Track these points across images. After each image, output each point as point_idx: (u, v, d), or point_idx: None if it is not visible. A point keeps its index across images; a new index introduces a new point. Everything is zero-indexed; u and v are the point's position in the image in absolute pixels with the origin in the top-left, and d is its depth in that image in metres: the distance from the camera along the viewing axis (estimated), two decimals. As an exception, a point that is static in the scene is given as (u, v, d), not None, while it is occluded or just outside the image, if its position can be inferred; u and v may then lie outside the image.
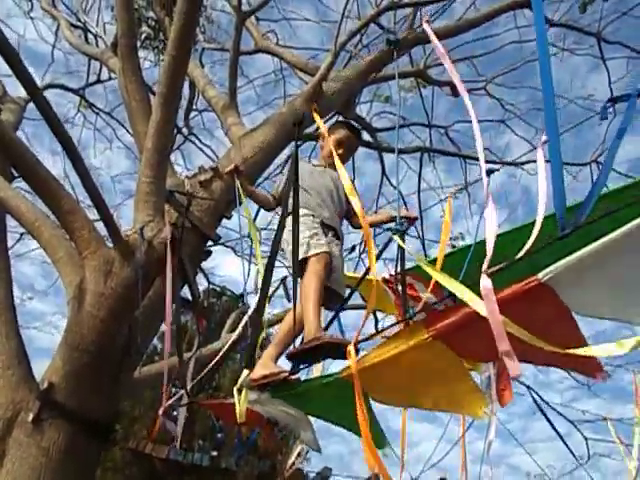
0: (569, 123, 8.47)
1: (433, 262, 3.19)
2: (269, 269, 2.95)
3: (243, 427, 3.28)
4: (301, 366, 2.53)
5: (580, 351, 1.34)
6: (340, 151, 3.27)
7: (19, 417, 3.21)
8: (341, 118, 6.09)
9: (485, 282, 1.37)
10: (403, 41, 5.90)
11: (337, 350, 2.10)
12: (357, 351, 1.89)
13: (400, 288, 3.15)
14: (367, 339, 2.02)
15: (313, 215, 3.01)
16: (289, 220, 2.75)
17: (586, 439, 7.30)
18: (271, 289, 3.93)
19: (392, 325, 1.98)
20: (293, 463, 3.68)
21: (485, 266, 1.42)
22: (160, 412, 3.15)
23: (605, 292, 1.31)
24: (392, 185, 8.35)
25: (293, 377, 2.39)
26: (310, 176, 3.24)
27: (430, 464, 3.84)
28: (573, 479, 7.47)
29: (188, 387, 3.34)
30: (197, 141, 8.25)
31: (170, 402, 3.15)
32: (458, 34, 5.48)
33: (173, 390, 3.95)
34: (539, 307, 1.38)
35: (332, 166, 3.29)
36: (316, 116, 2.62)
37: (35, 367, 3.49)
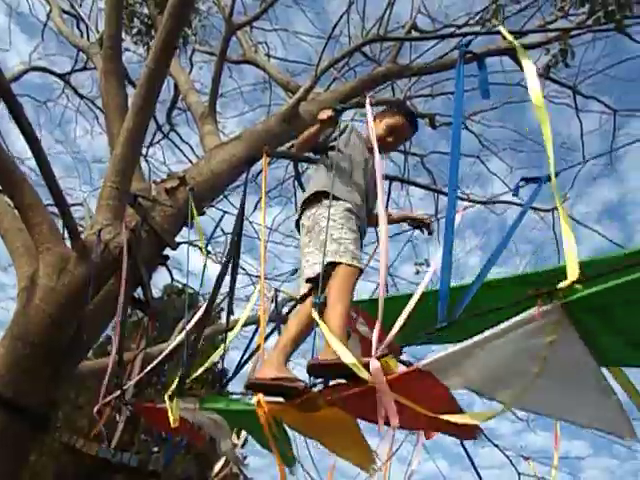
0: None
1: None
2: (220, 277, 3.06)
3: (173, 433, 3.39)
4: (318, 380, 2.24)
5: (452, 417, 1.52)
6: (390, 139, 2.91)
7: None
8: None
9: (374, 363, 1.56)
10: (387, 71, 6.15)
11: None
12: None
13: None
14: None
15: (358, 216, 2.58)
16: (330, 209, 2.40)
17: (519, 474, 7.57)
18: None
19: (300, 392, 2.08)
20: (221, 469, 3.80)
21: (374, 349, 1.61)
22: (95, 410, 3.26)
23: (475, 375, 1.50)
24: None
25: (305, 391, 2.07)
26: (357, 163, 2.80)
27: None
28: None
29: (126, 387, 3.44)
30: (178, 138, 8.36)
31: (105, 401, 3.26)
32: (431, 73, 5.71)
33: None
34: (422, 384, 1.58)
35: (372, 151, 2.85)
36: (265, 159, 2.67)
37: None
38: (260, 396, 2.01)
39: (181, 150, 8.26)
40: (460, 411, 1.68)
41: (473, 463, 4.38)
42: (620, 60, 6.73)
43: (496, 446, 7.67)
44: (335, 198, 2.49)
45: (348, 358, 1.65)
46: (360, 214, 2.61)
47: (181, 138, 8.38)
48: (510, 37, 1.85)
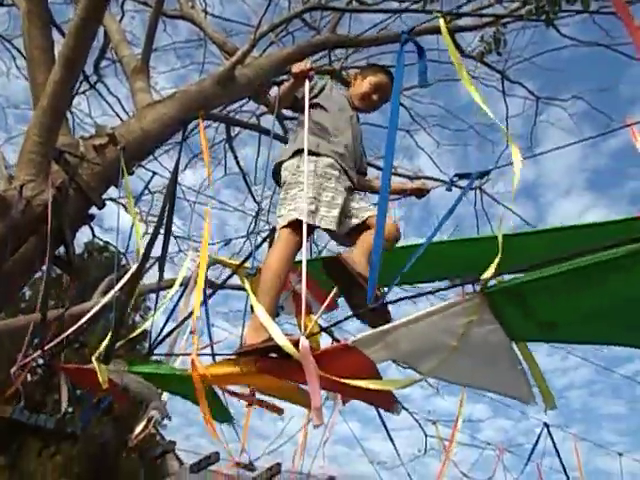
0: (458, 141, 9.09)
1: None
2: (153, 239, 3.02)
3: (98, 392, 3.36)
4: None
5: (372, 384, 1.65)
6: (375, 96, 2.85)
7: None
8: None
9: (304, 342, 1.65)
10: (326, 40, 6.12)
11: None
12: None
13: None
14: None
15: (343, 169, 2.53)
16: (300, 164, 2.38)
17: (426, 436, 8.09)
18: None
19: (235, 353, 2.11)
20: (142, 430, 3.80)
21: (302, 329, 1.70)
22: (13, 371, 3.17)
23: (401, 349, 1.63)
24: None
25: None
26: (342, 115, 2.75)
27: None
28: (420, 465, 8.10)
29: (48, 347, 3.35)
30: (105, 90, 7.97)
31: (24, 362, 3.17)
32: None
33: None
34: (348, 356, 1.69)
35: (357, 110, 2.90)
36: (200, 122, 2.64)
37: None
38: (194, 356, 2.05)
39: (108, 103, 7.89)
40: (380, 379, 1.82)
41: (385, 425, 4.67)
42: (546, 50, 7.07)
43: (406, 410, 8.16)
44: (315, 154, 2.42)
45: (279, 338, 1.71)
46: (344, 164, 2.55)
47: (109, 90, 8.00)
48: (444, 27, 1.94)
